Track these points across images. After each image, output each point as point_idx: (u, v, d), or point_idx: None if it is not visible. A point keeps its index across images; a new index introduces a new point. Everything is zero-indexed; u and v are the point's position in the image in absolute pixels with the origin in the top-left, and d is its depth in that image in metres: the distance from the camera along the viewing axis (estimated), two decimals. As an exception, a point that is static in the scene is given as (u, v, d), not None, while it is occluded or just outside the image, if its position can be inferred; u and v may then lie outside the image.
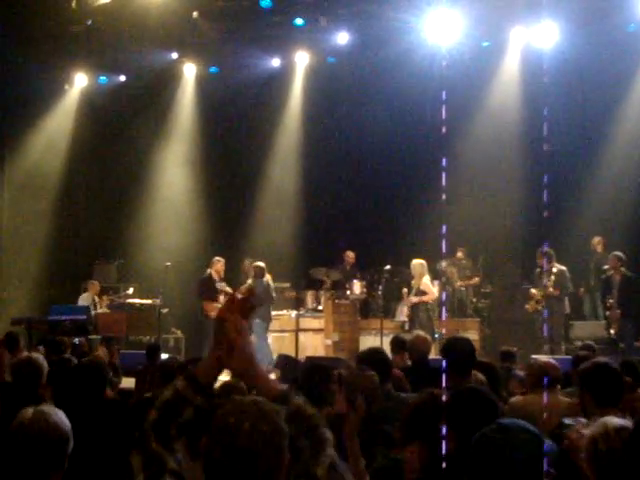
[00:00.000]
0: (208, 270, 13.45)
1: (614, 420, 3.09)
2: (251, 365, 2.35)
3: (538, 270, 12.74)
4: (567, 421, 3.74)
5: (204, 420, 2.31)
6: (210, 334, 12.47)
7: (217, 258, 13.51)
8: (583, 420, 3.36)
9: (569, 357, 8.57)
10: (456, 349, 4.88)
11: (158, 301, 13.74)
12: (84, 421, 4.27)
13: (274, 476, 2.12)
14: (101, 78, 16.55)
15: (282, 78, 16.35)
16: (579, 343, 11.08)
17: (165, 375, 5.62)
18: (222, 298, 12.85)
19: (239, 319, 2.36)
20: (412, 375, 6.28)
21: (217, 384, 4.81)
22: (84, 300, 14.37)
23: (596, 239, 13.52)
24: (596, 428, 3.08)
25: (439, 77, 14.58)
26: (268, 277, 13.42)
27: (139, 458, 2.25)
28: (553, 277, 12.43)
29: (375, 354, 5.72)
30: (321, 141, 15.87)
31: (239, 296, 2.43)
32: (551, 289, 12.39)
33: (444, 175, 13.25)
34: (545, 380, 5.31)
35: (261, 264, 13.36)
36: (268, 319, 13.00)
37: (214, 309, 12.17)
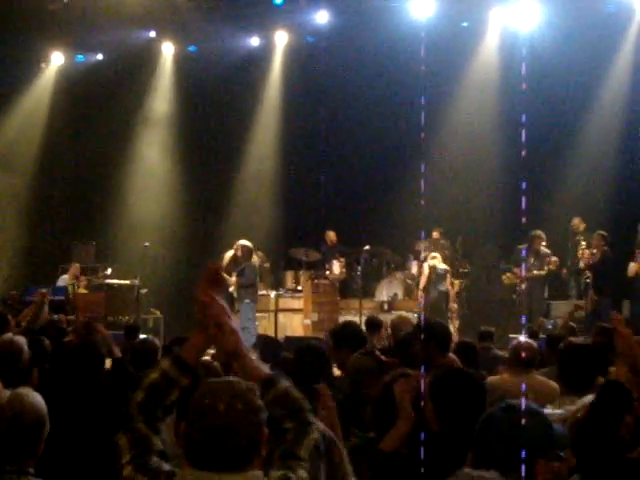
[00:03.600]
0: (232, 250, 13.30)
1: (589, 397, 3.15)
2: (240, 346, 2.39)
3: (520, 247, 12.88)
4: (547, 410, 3.76)
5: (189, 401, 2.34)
6: None
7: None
8: (558, 411, 3.39)
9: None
10: (434, 331, 4.89)
11: (137, 281, 13.67)
12: (75, 404, 4.30)
13: (253, 452, 2.16)
14: (78, 56, 16.41)
15: (261, 57, 16.26)
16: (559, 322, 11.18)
17: (143, 355, 5.61)
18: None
19: (220, 300, 2.40)
20: (394, 356, 6.30)
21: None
22: (63, 281, 14.30)
23: (576, 219, 13.57)
24: (576, 406, 3.14)
25: (418, 57, 14.58)
26: (256, 257, 13.37)
27: (125, 438, 2.27)
28: (550, 258, 12.56)
29: (349, 327, 5.79)
30: (300, 120, 15.81)
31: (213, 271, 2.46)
32: (535, 272, 12.53)
33: (423, 166, 13.29)
34: (521, 360, 5.35)
35: (249, 244, 13.14)
36: (256, 300, 12.93)
37: None
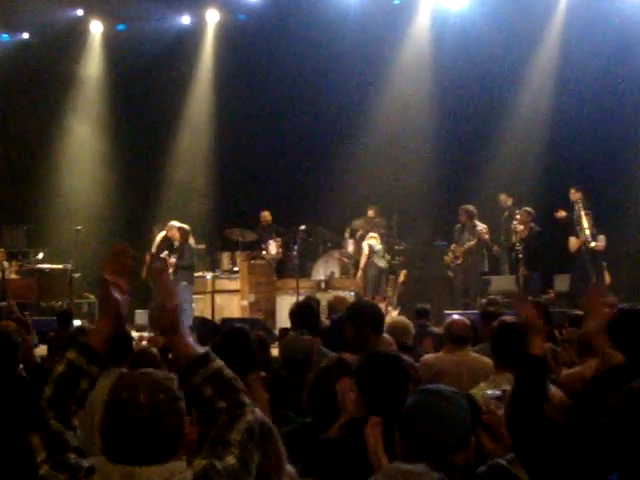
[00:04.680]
0: (163, 232, 13.26)
1: None
2: (178, 321, 2.32)
3: (459, 226, 12.98)
4: (489, 392, 3.80)
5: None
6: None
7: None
8: (498, 392, 3.44)
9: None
10: (365, 311, 4.89)
11: (69, 266, 13.44)
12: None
13: (176, 442, 2.12)
14: (3, 36, 15.99)
15: (192, 36, 16.07)
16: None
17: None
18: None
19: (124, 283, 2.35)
20: (331, 335, 6.34)
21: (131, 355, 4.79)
22: (-10, 267, 13.96)
23: (502, 195, 13.79)
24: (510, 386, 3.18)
25: (350, 35, 14.62)
26: (192, 239, 13.34)
27: (38, 437, 2.18)
28: (479, 232, 12.67)
29: (306, 308, 5.84)
30: (233, 100, 15.66)
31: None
32: (471, 243, 12.65)
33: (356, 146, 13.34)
34: (455, 337, 5.44)
35: (186, 227, 13.21)
36: (193, 282, 12.88)
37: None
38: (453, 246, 12.95)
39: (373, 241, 13.25)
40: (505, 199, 13.79)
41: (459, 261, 12.83)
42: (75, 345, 2.31)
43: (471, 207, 12.88)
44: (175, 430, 2.11)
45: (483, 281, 13.01)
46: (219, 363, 2.28)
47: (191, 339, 2.35)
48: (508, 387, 3.15)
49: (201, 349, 2.32)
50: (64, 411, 2.23)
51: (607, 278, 11.99)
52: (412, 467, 1.58)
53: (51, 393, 2.24)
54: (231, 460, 2.11)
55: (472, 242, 12.70)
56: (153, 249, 13.34)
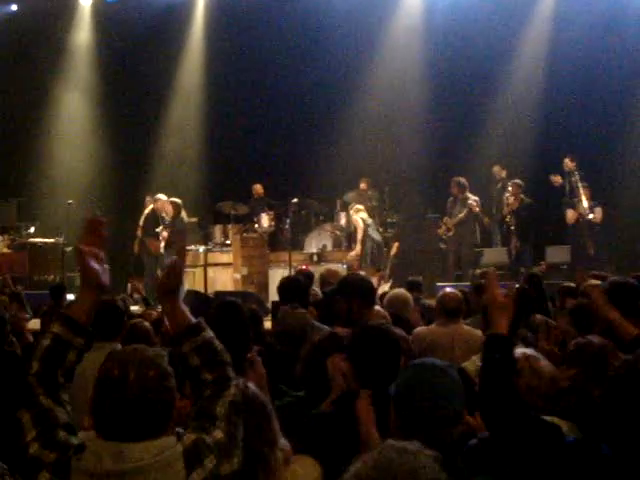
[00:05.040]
0: (150, 206, 13.27)
1: (518, 349, 3.23)
2: (178, 288, 2.36)
3: (451, 199, 12.98)
4: (478, 362, 3.82)
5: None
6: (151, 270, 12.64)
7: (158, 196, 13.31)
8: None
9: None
10: (355, 284, 4.88)
11: (61, 239, 13.40)
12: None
13: (167, 418, 2.13)
14: (-9, 8, 15.80)
15: (184, 6, 15.93)
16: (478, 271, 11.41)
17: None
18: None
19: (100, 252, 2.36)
20: (323, 308, 6.35)
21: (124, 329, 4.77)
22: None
23: (496, 167, 13.79)
24: None
25: (343, 9, 14.53)
26: (184, 213, 13.34)
27: (28, 415, 2.17)
28: (469, 204, 12.66)
29: (294, 282, 5.85)
30: (225, 73, 15.57)
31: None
32: (461, 215, 12.66)
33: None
34: (447, 310, 5.44)
35: (178, 200, 13.26)
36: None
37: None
38: (445, 218, 12.95)
39: (363, 214, 13.20)
40: (499, 171, 13.78)
41: (451, 233, 12.84)
42: (58, 317, 2.30)
43: (462, 179, 12.86)
44: (165, 407, 2.12)
45: (475, 253, 13.03)
46: (210, 334, 2.31)
47: (184, 307, 2.37)
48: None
49: (193, 319, 2.35)
50: (53, 386, 2.22)
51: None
52: (407, 444, 1.60)
53: (38, 368, 2.22)
54: (219, 434, 2.15)
55: (462, 214, 12.70)
56: (141, 223, 13.33)
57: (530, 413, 2.55)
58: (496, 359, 2.56)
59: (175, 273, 2.37)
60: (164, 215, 13.01)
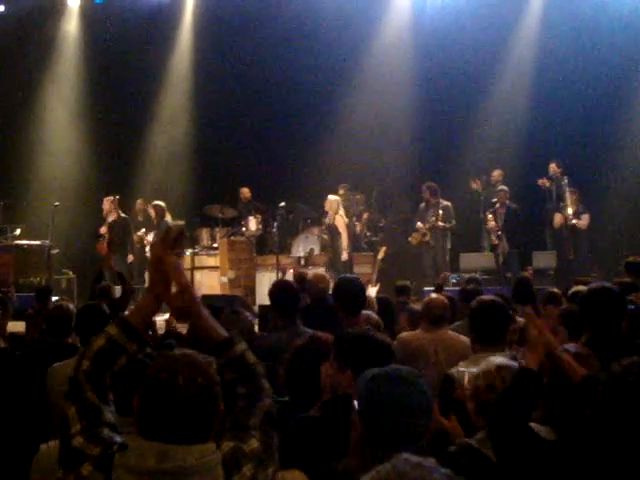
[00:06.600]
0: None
1: (497, 359, 3.22)
2: (196, 305, 2.32)
3: (423, 204, 12.99)
4: (461, 368, 3.83)
5: (138, 370, 2.28)
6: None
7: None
8: (474, 369, 3.45)
9: (456, 289, 8.81)
10: (345, 289, 4.88)
11: (47, 242, 13.33)
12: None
13: (209, 426, 2.11)
14: (-23, 8, 15.72)
15: (172, 9, 15.89)
16: (466, 276, 11.41)
17: (58, 321, 5.47)
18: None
19: (175, 258, 2.34)
20: (310, 313, 6.32)
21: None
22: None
23: (497, 172, 13.65)
24: (481, 366, 3.20)
25: (331, 13, 14.54)
26: (169, 217, 13.32)
27: (74, 408, 2.18)
28: (441, 211, 12.69)
29: (285, 286, 5.81)
30: (213, 75, 15.53)
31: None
32: (440, 222, 12.67)
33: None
34: (433, 316, 5.43)
35: (161, 203, 13.26)
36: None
37: None
38: (418, 224, 12.94)
39: (341, 211, 13.25)
40: (498, 176, 13.62)
41: (427, 238, 12.84)
42: (116, 321, 2.31)
43: (433, 184, 12.89)
44: (210, 413, 2.10)
45: (450, 258, 13.00)
46: (242, 347, 2.31)
47: (214, 321, 2.35)
48: (486, 367, 3.17)
49: (225, 332, 2.33)
50: (101, 385, 2.24)
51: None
52: (422, 460, 1.59)
53: (89, 366, 2.24)
54: (254, 443, 2.16)
55: (433, 220, 12.72)
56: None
57: (538, 441, 2.61)
58: (525, 393, 2.62)
59: (185, 298, 2.32)
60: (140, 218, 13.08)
